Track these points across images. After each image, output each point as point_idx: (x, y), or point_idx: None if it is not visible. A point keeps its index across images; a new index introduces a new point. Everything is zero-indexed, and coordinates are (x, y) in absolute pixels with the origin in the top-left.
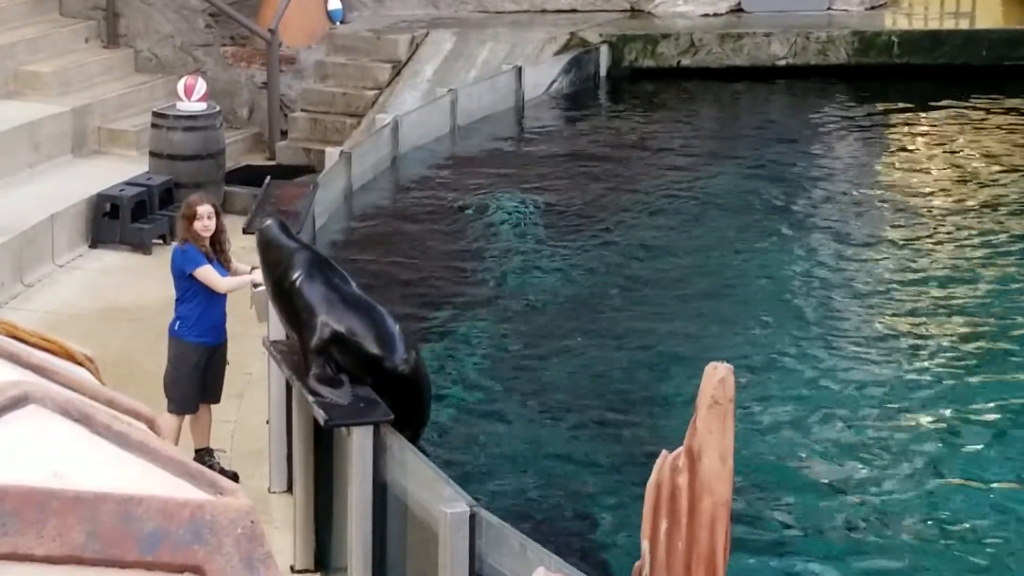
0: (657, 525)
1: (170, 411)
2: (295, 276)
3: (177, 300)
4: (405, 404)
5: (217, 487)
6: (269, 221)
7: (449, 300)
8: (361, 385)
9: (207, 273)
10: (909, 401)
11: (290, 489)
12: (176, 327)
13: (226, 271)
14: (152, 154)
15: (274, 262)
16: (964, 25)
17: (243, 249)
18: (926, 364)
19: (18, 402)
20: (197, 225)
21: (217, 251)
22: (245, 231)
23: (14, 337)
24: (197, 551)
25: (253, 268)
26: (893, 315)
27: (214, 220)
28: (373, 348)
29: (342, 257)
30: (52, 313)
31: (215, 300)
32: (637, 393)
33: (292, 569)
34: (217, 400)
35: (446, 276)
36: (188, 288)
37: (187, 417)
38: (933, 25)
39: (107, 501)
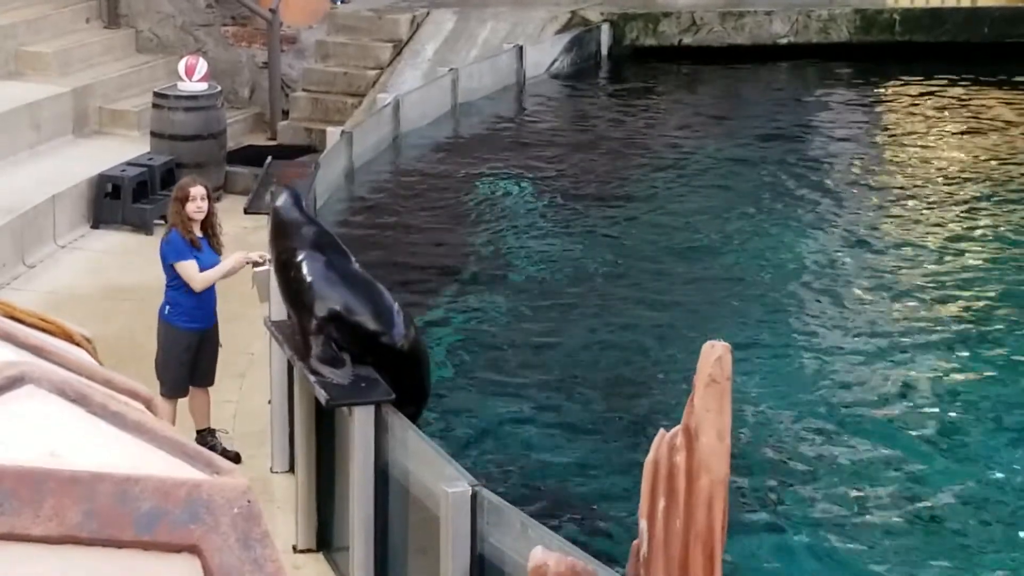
0: (655, 504)
1: (162, 394)
2: (297, 256)
3: (167, 285)
4: (405, 381)
5: (214, 467)
6: (284, 196)
7: (450, 279)
8: (362, 365)
9: (186, 269)
10: (912, 382)
11: (292, 469)
12: (166, 312)
13: (217, 255)
14: (153, 134)
15: (281, 239)
16: (966, 3)
17: (245, 229)
18: (930, 343)
19: (15, 382)
20: (190, 207)
21: (209, 234)
22: (246, 211)
23: (12, 317)
24: (194, 530)
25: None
26: (895, 295)
27: (206, 202)
28: (371, 325)
29: (343, 236)
30: (54, 293)
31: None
32: (636, 371)
33: (294, 549)
34: (211, 382)
35: (447, 255)
36: (177, 275)
37: (182, 400)
38: (935, 3)
39: (104, 481)
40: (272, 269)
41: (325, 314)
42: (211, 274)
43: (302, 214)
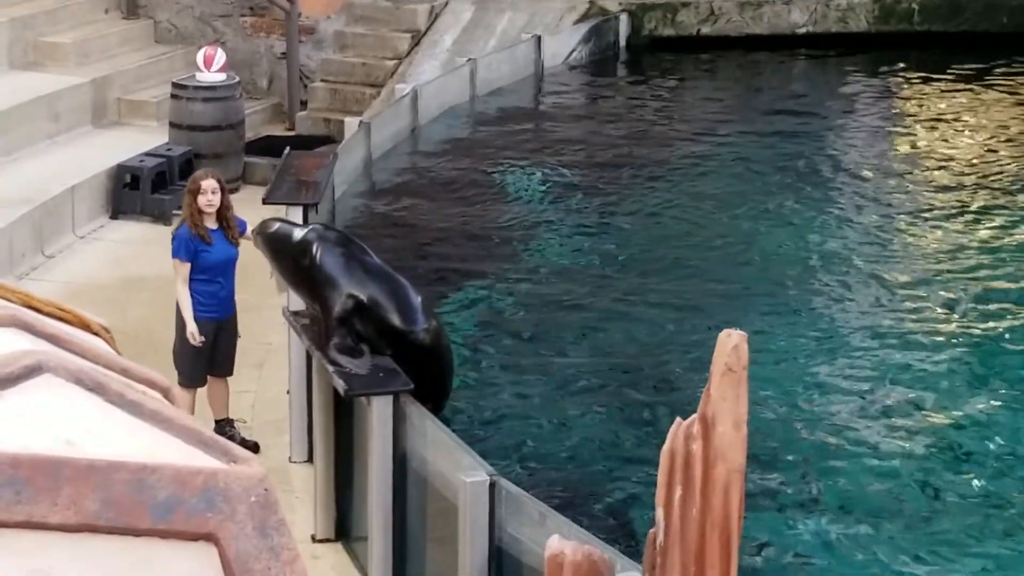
0: (671, 493)
1: (180, 384)
2: (314, 250)
3: None
4: (427, 374)
5: (230, 455)
6: (267, 220)
7: (468, 270)
8: (381, 355)
9: (178, 269)
10: (926, 370)
11: (311, 459)
12: None
13: (234, 247)
14: (172, 125)
15: (287, 247)
16: None
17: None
18: (946, 332)
19: (32, 371)
20: (200, 200)
21: (224, 227)
22: (265, 202)
23: (29, 307)
24: (210, 519)
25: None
26: (914, 284)
27: (218, 195)
28: (395, 318)
29: (361, 227)
30: (72, 284)
31: (222, 276)
32: (653, 361)
33: (313, 538)
34: (230, 372)
35: (465, 246)
36: (193, 266)
37: (201, 390)
38: None
39: (120, 469)
40: (283, 280)
41: (350, 305)
42: (183, 302)
43: (296, 225)
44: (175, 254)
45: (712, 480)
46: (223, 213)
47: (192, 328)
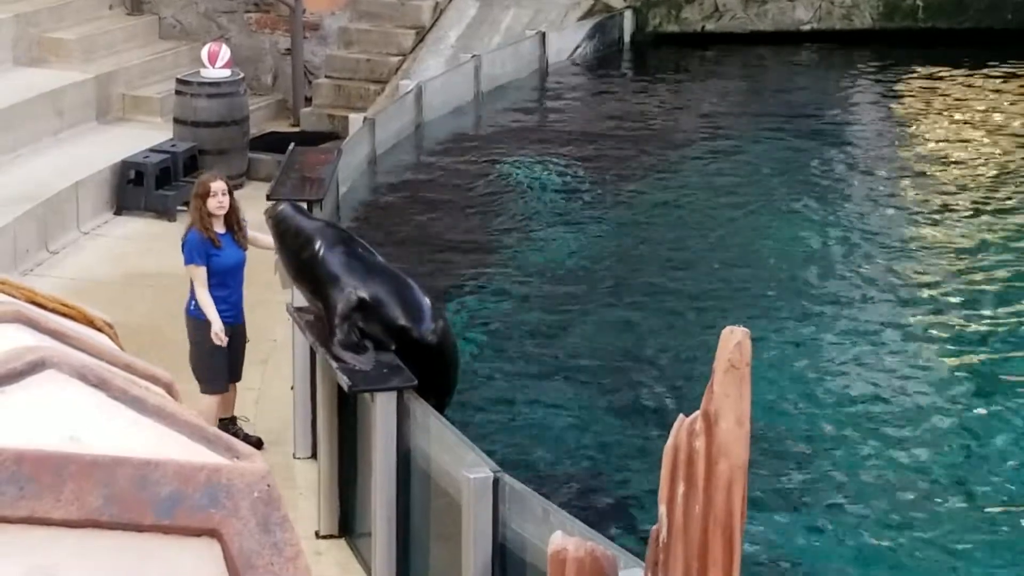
0: (674, 489)
1: (203, 392)
2: (317, 247)
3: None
4: (433, 371)
5: (233, 451)
6: (283, 205)
7: (472, 266)
8: (385, 351)
9: (196, 274)
10: (937, 369)
11: (314, 455)
12: (192, 307)
13: (242, 250)
14: (176, 121)
15: (294, 239)
16: None
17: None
18: (957, 330)
19: (36, 367)
20: (211, 203)
21: (234, 229)
22: (269, 198)
23: (33, 303)
24: (214, 515)
25: None
26: (916, 280)
27: (228, 197)
28: (400, 317)
29: (366, 223)
30: (77, 280)
31: (230, 282)
32: (657, 358)
33: (316, 535)
34: (238, 378)
35: (469, 241)
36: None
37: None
38: None
39: (124, 465)
40: (286, 270)
41: (353, 301)
42: (206, 306)
43: (308, 216)
44: (189, 260)
45: (715, 477)
46: (231, 215)
47: (218, 327)
